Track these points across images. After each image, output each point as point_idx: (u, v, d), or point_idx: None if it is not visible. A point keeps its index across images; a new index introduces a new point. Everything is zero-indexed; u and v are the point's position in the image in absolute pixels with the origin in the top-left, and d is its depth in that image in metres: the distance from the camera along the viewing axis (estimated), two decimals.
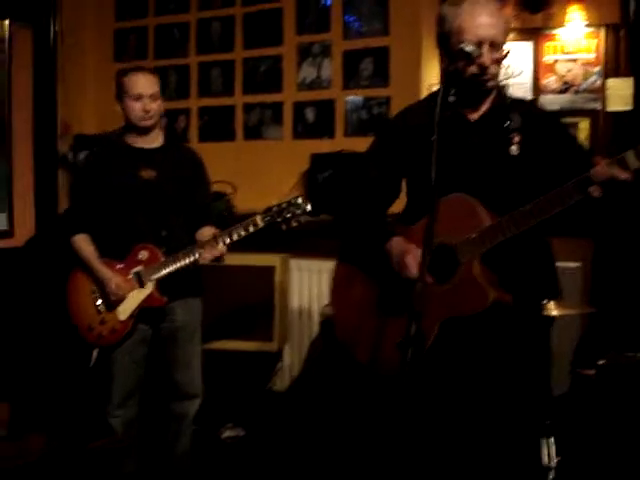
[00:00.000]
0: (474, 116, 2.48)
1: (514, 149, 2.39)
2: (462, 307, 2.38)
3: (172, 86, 5.28)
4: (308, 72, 4.85)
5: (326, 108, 4.80)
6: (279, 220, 3.10)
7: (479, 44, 2.32)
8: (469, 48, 2.27)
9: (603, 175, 2.12)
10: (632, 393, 3.28)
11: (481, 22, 2.33)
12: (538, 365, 2.59)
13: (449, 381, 2.49)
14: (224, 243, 3.14)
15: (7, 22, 4.81)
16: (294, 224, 3.11)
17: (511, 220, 2.28)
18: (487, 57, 2.33)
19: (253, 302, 4.52)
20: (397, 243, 2.49)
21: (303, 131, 4.89)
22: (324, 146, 4.72)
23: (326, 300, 4.55)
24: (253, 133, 5.06)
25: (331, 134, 4.80)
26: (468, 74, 2.36)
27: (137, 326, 3.31)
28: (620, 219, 2.35)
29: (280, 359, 4.76)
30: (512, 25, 2.53)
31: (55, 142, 5.21)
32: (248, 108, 5.06)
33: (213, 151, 5.02)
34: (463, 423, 2.48)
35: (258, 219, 3.11)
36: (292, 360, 4.77)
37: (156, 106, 3.31)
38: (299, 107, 4.89)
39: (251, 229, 3.12)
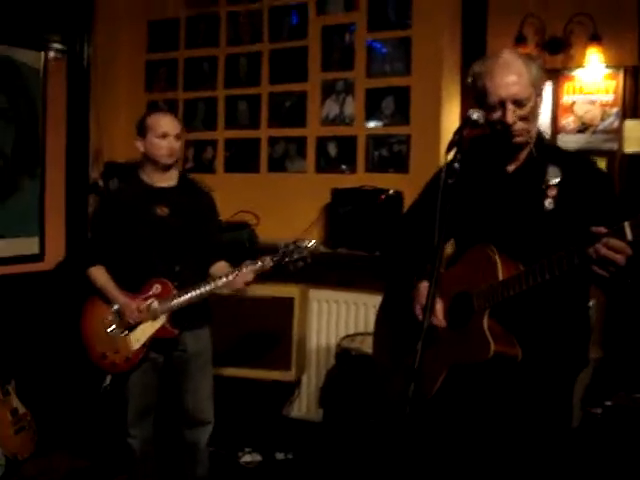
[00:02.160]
0: (511, 168, 2.50)
1: (548, 203, 2.39)
2: (467, 355, 2.43)
3: (200, 117, 5.42)
4: (331, 108, 4.95)
5: (348, 144, 4.89)
6: (287, 260, 3.25)
7: (502, 103, 2.36)
8: (475, 116, 2.30)
9: (603, 253, 2.05)
10: (635, 433, 3.36)
11: (501, 82, 2.36)
12: (555, 417, 2.51)
13: (457, 423, 2.54)
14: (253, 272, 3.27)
15: (42, 52, 4.99)
16: (300, 265, 3.26)
17: (518, 278, 2.29)
18: (510, 115, 2.36)
19: (273, 331, 4.61)
20: (422, 291, 2.52)
21: (325, 165, 4.99)
22: (345, 180, 4.82)
23: (344, 331, 4.67)
24: (277, 166, 5.15)
25: (353, 169, 4.90)
26: (495, 130, 2.41)
27: (149, 354, 3.44)
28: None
29: (297, 387, 4.86)
30: (543, 74, 2.50)
31: (87, 168, 5.36)
32: (273, 141, 5.17)
33: (238, 182, 5.21)
34: (469, 465, 2.54)
35: (267, 260, 3.26)
36: (309, 389, 4.85)
37: (179, 146, 3.47)
38: (322, 142, 4.99)
39: (260, 269, 3.27)
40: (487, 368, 2.40)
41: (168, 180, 3.51)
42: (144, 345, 3.40)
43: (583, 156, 2.66)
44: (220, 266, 3.48)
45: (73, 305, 3.79)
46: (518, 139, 2.42)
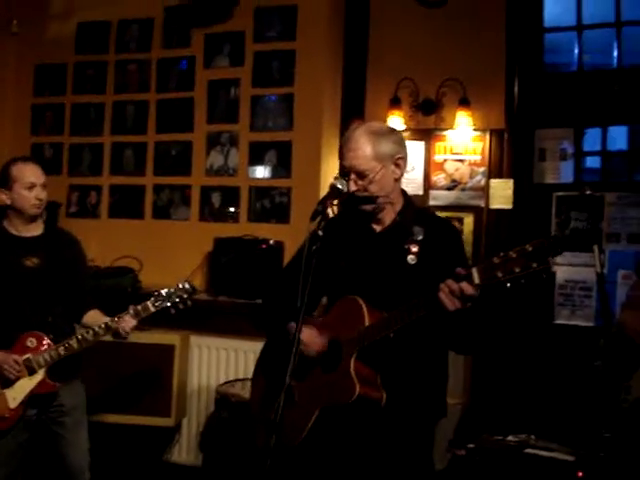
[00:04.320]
0: (379, 228, 2.70)
1: (411, 259, 2.58)
2: (335, 397, 2.57)
3: (86, 163, 5.44)
4: (216, 159, 5.09)
5: (231, 194, 5.03)
6: (168, 305, 3.28)
7: (347, 173, 2.56)
8: (339, 185, 2.48)
9: (453, 288, 2.26)
10: (494, 472, 3.60)
11: (344, 154, 2.58)
12: (416, 460, 2.66)
13: (325, 464, 2.65)
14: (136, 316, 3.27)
15: None
16: (181, 307, 3.30)
17: (382, 322, 2.47)
18: (352, 184, 2.55)
19: (153, 377, 4.62)
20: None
21: (209, 214, 5.11)
22: (228, 229, 4.93)
23: (224, 377, 4.76)
24: (162, 213, 5.23)
25: (235, 219, 5.03)
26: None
27: (26, 412, 3.31)
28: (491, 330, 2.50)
29: (178, 432, 4.90)
30: (397, 147, 2.68)
31: None
32: (158, 189, 5.25)
33: (122, 227, 5.24)
34: None
35: (149, 304, 3.28)
36: (189, 434, 4.89)
37: (45, 195, 3.41)
38: (206, 191, 5.11)
39: (143, 314, 3.28)
40: (353, 411, 2.54)
41: (34, 230, 3.45)
42: (22, 402, 3.28)
43: (444, 220, 2.89)
44: (93, 314, 3.45)
45: None
46: (364, 207, 2.60)
